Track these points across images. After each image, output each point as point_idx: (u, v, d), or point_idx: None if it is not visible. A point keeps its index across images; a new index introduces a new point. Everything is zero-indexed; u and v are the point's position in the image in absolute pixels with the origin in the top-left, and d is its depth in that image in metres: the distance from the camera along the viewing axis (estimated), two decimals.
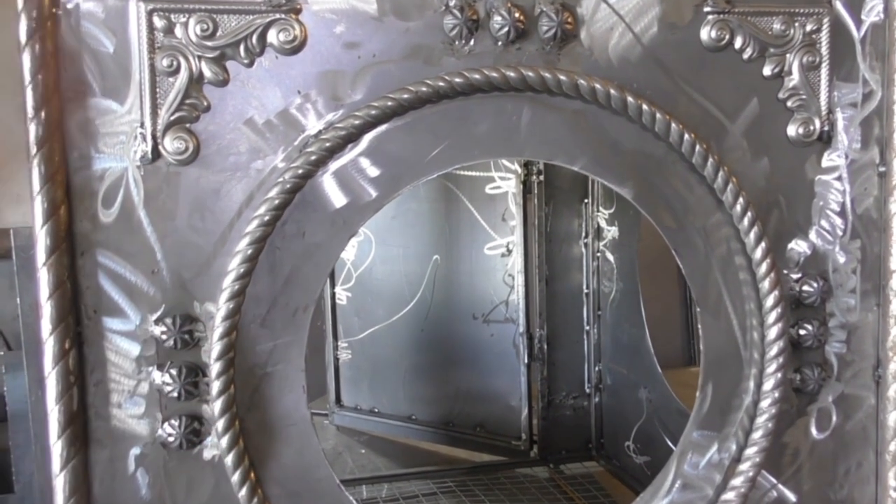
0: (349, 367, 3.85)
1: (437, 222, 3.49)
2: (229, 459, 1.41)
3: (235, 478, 1.42)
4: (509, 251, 3.30)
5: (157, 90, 1.34)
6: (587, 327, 3.31)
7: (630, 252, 3.01)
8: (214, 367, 1.38)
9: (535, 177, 3.21)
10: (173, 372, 1.40)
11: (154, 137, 1.35)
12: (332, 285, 3.73)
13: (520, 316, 3.31)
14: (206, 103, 1.37)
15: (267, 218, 1.37)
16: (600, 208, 3.18)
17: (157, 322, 1.40)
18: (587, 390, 3.35)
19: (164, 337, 1.39)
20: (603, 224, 3.17)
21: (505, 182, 3.26)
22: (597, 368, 3.30)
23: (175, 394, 1.40)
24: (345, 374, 3.87)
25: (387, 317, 3.66)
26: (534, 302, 3.32)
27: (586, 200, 3.23)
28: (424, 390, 3.64)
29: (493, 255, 3.35)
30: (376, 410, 3.78)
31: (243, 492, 1.43)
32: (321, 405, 3.89)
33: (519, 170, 3.21)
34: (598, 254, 3.21)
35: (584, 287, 3.30)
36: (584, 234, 3.27)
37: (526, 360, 3.31)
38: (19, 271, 3.03)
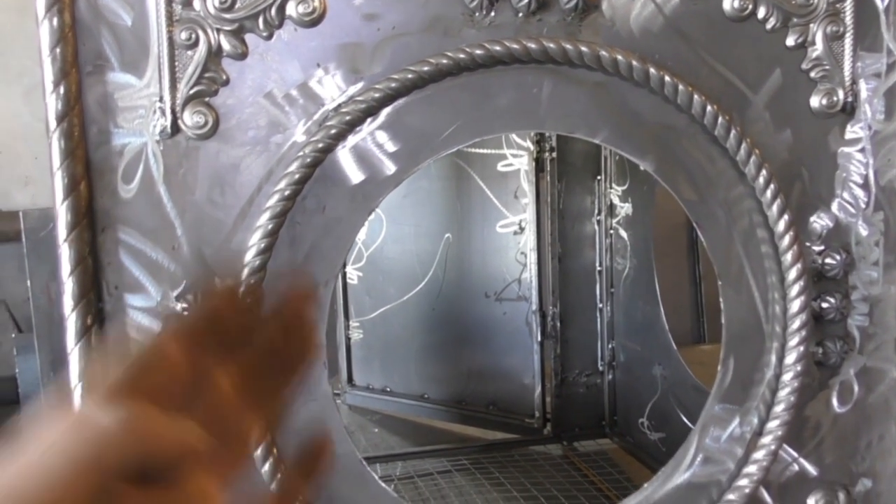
0: (361, 346, 3.84)
1: (449, 200, 3.48)
2: None
3: (257, 453, 1.42)
4: (522, 229, 3.28)
5: (176, 64, 1.33)
6: (600, 305, 3.30)
7: (644, 229, 2.99)
8: None
9: (547, 154, 3.19)
10: None
11: (173, 112, 1.34)
12: (343, 265, 3.72)
13: (532, 294, 3.30)
14: (224, 77, 1.36)
15: (287, 193, 1.36)
16: (613, 185, 3.16)
17: (178, 298, 1.39)
18: (600, 368, 3.34)
19: (185, 313, 1.39)
20: (616, 201, 3.16)
21: (517, 159, 3.24)
22: (610, 346, 3.29)
23: None
24: (356, 354, 3.87)
25: (398, 296, 3.66)
26: (546, 280, 3.31)
27: (599, 177, 3.22)
28: (436, 369, 3.64)
29: (506, 233, 3.33)
30: (388, 389, 3.78)
31: (266, 467, 1.42)
32: (333, 385, 3.89)
33: (531, 147, 3.19)
34: (612, 231, 3.20)
35: (598, 264, 3.29)
36: (596, 211, 3.26)
37: (539, 338, 3.31)
38: (29, 254, 3.04)
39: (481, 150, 3.30)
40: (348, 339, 3.85)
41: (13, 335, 3.28)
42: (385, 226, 3.62)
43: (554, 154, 3.19)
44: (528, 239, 3.27)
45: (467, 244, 3.46)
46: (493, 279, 3.40)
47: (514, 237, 3.31)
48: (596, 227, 3.27)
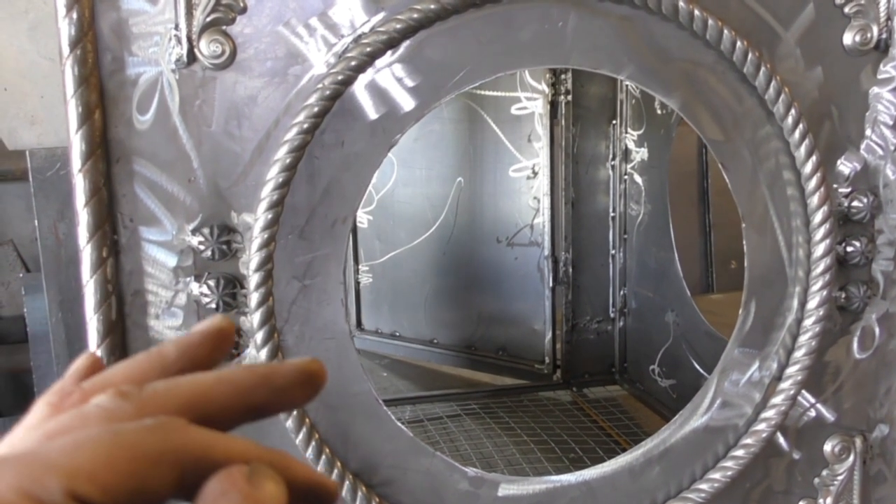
0: (370, 290, 3.83)
1: (462, 144, 3.43)
2: None
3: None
4: (535, 173, 3.24)
5: None
6: (613, 251, 3.27)
7: (660, 174, 2.95)
8: (253, 279, 1.35)
9: (562, 97, 3.13)
10: (211, 283, 1.37)
11: (189, 40, 1.30)
12: None
13: (545, 239, 3.27)
14: (242, 4, 1.31)
15: (306, 126, 1.33)
16: (629, 129, 3.11)
17: (193, 232, 1.36)
18: (612, 314, 3.32)
19: (201, 247, 1.36)
20: (631, 146, 3.11)
21: (531, 102, 3.18)
22: (622, 292, 3.27)
23: (213, 305, 1.38)
24: (366, 298, 3.86)
25: (409, 240, 3.63)
26: (559, 225, 3.27)
27: (615, 121, 3.16)
28: (446, 314, 3.63)
29: (519, 178, 3.29)
30: (398, 334, 3.77)
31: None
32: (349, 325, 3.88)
33: (546, 90, 3.14)
34: (626, 176, 3.15)
35: (611, 210, 3.25)
36: (611, 156, 3.21)
37: (550, 284, 3.28)
38: (36, 193, 3.02)
39: (495, 93, 3.24)
40: (357, 283, 3.83)
41: (21, 275, 3.28)
42: (396, 169, 3.58)
43: (569, 97, 3.13)
44: (542, 183, 3.23)
45: (479, 188, 3.42)
46: (506, 224, 3.37)
47: (528, 181, 3.27)
48: (610, 172, 3.23)
